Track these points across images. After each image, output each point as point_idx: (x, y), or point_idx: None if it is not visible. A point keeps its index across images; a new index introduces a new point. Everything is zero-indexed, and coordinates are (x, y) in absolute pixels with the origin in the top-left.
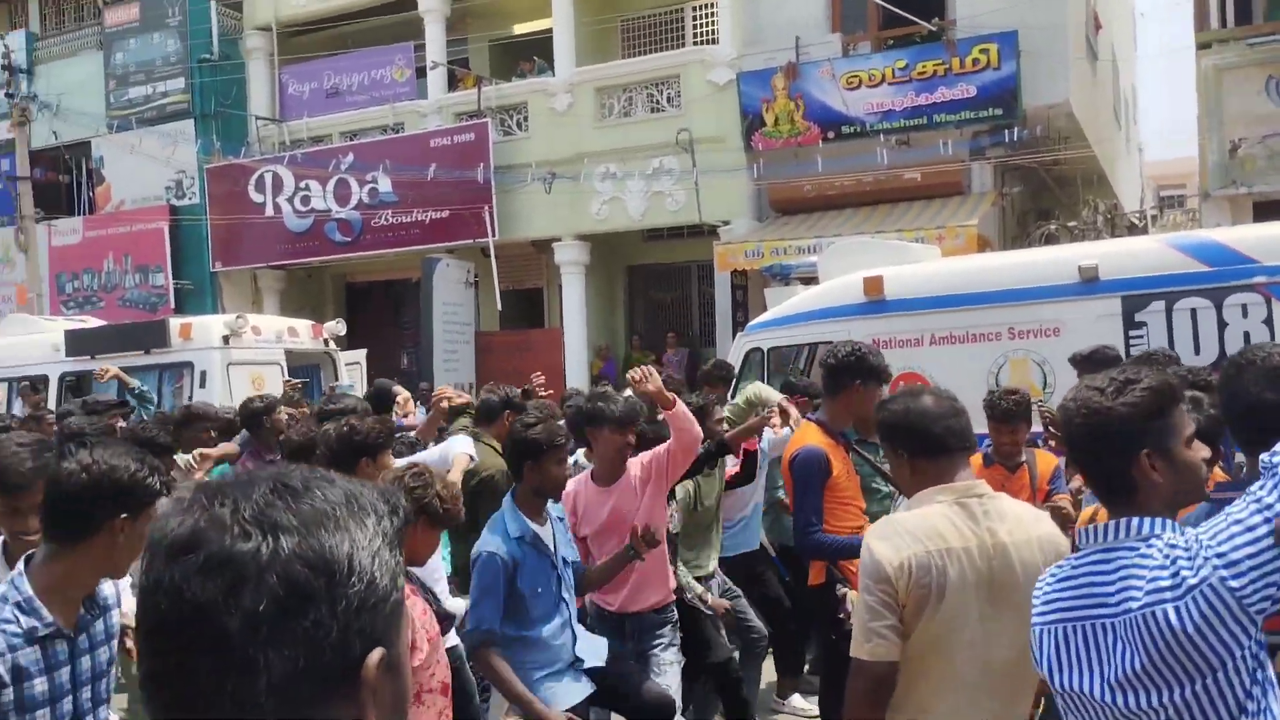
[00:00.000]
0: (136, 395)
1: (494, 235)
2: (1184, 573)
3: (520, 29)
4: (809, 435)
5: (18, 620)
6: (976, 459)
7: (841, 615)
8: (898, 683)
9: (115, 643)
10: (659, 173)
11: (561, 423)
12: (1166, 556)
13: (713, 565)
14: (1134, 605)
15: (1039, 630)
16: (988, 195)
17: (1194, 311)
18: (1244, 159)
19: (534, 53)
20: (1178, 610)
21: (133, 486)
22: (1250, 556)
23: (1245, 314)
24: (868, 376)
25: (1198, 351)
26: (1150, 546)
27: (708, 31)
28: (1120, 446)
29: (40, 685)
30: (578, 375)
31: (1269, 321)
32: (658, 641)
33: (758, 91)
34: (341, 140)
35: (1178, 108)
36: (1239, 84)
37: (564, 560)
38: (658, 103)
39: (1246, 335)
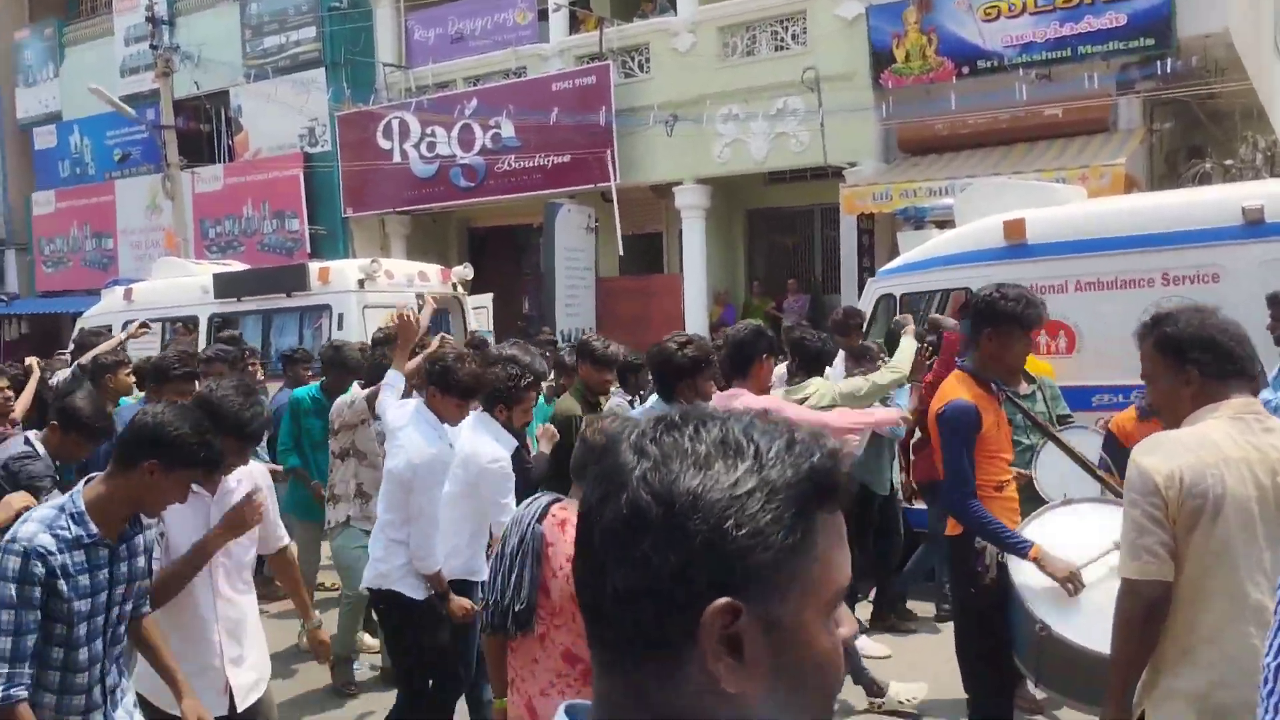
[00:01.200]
0: None
1: (615, 180)
2: None
3: None
4: (957, 388)
5: (69, 527)
6: (1130, 412)
7: (980, 570)
8: (1174, 608)
9: (151, 553)
10: (783, 113)
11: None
12: None
13: None
14: None
15: None
16: (1135, 132)
17: None
18: None
19: None
20: None
21: (170, 441)
22: None
23: None
24: (1001, 322)
25: None
26: None
27: None
28: None
29: (83, 580)
30: (697, 320)
31: None
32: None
33: (888, 26)
34: (465, 86)
35: None
36: None
37: None
38: (782, 40)
39: None
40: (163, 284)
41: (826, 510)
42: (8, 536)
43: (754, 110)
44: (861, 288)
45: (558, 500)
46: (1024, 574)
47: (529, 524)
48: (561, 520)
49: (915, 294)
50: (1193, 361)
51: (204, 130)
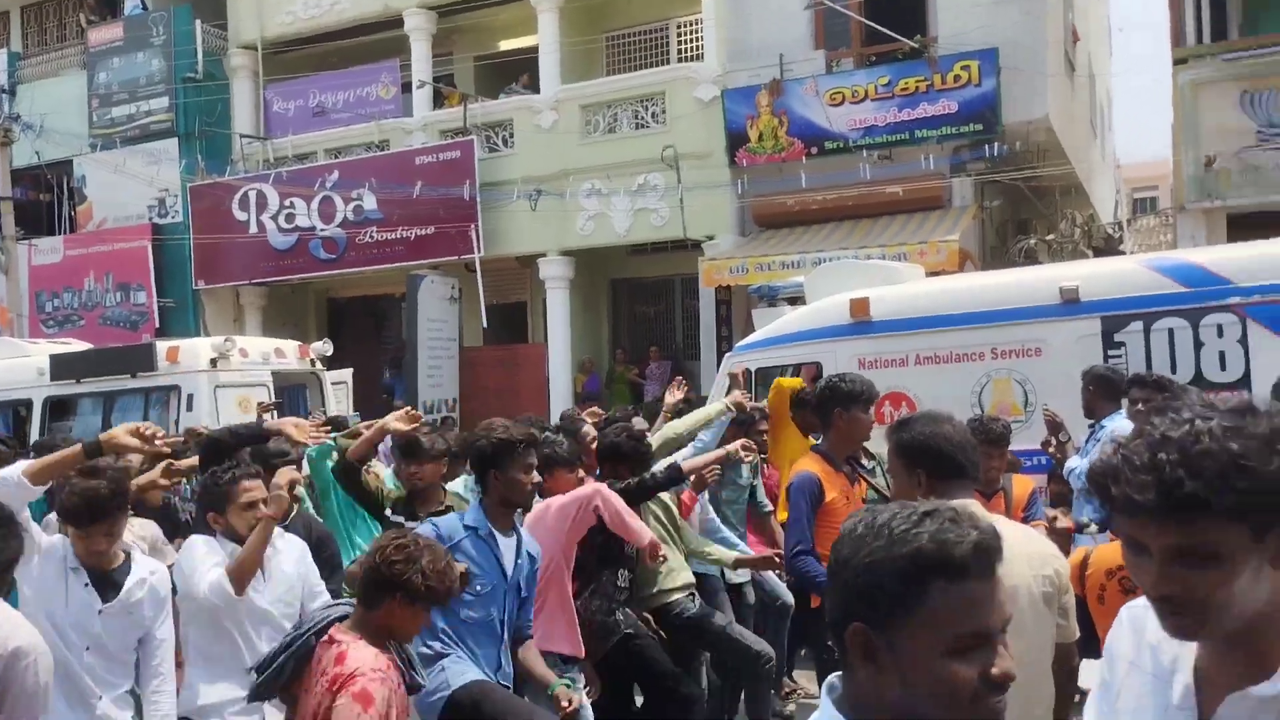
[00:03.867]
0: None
1: (479, 252)
2: None
3: (506, 45)
4: (806, 463)
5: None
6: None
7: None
8: None
9: None
10: (644, 189)
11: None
12: None
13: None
14: None
15: None
16: (968, 209)
17: (1171, 331)
18: (1219, 173)
19: (519, 70)
20: None
21: None
22: None
23: (1221, 334)
24: (847, 403)
25: (1174, 371)
26: None
27: (693, 48)
28: None
29: None
30: (561, 389)
31: (1244, 342)
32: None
33: (742, 108)
34: (326, 158)
35: (1152, 112)
36: (1214, 99)
37: (519, 587)
38: (643, 119)
39: (1222, 356)
40: None
41: (944, 578)
42: None
43: (616, 186)
44: (720, 355)
45: (345, 618)
46: None
47: (308, 632)
48: (338, 647)
49: (769, 368)
50: (922, 467)
51: (44, 200)
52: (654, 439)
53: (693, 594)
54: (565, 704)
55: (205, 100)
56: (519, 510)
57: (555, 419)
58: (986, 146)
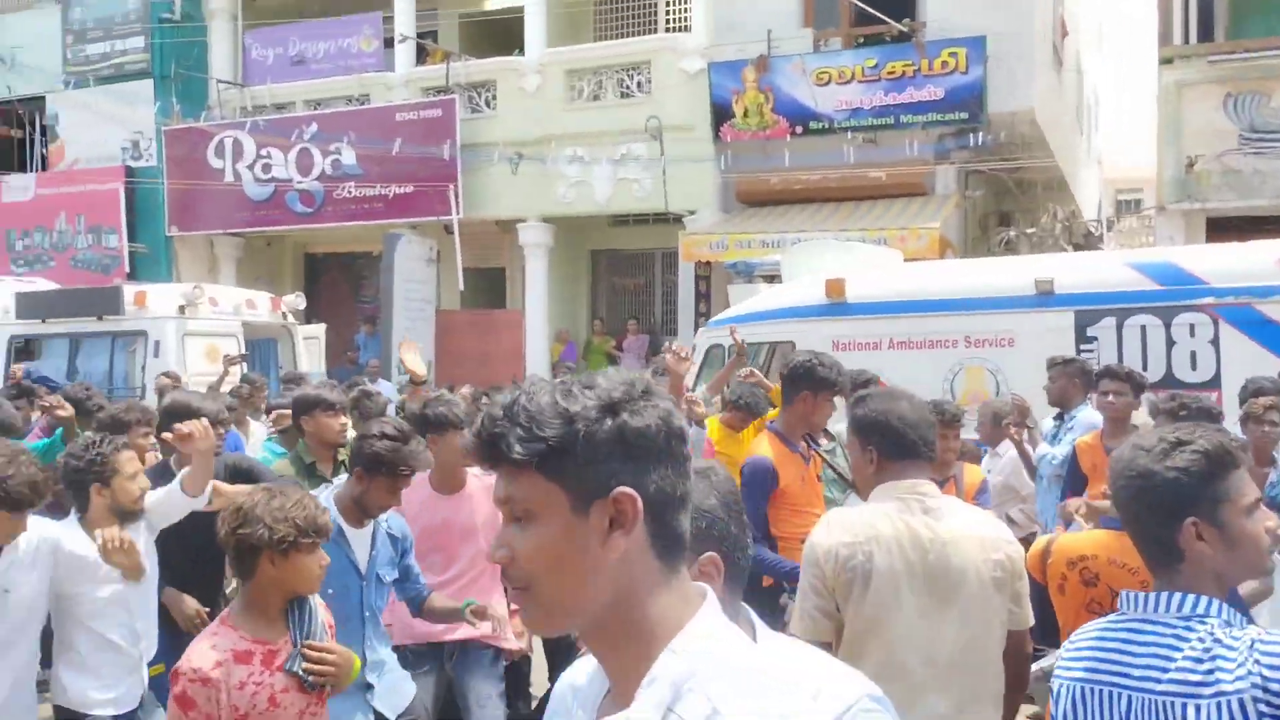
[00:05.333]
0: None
1: (458, 213)
2: (1220, 674)
3: (492, 4)
4: (760, 446)
5: None
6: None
7: (785, 620)
8: (845, 652)
9: None
10: (626, 159)
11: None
12: (1206, 650)
13: None
14: (1155, 688)
15: (1059, 685)
16: (951, 198)
17: (1144, 329)
18: (1200, 174)
19: (504, 30)
20: (1198, 710)
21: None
22: None
23: (1193, 334)
24: (819, 386)
25: (1145, 368)
26: (1191, 631)
27: (680, 19)
28: (1165, 513)
29: None
30: (538, 357)
31: (1215, 342)
32: (478, 671)
33: (728, 82)
34: (305, 109)
35: (1138, 113)
36: (1198, 100)
37: (378, 577)
38: (628, 88)
39: (1193, 355)
40: None
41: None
42: None
43: (598, 154)
44: (698, 331)
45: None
46: None
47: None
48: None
49: (751, 345)
50: (873, 444)
51: (15, 136)
52: None
53: None
54: (477, 618)
55: (182, 42)
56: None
57: None
58: (971, 135)
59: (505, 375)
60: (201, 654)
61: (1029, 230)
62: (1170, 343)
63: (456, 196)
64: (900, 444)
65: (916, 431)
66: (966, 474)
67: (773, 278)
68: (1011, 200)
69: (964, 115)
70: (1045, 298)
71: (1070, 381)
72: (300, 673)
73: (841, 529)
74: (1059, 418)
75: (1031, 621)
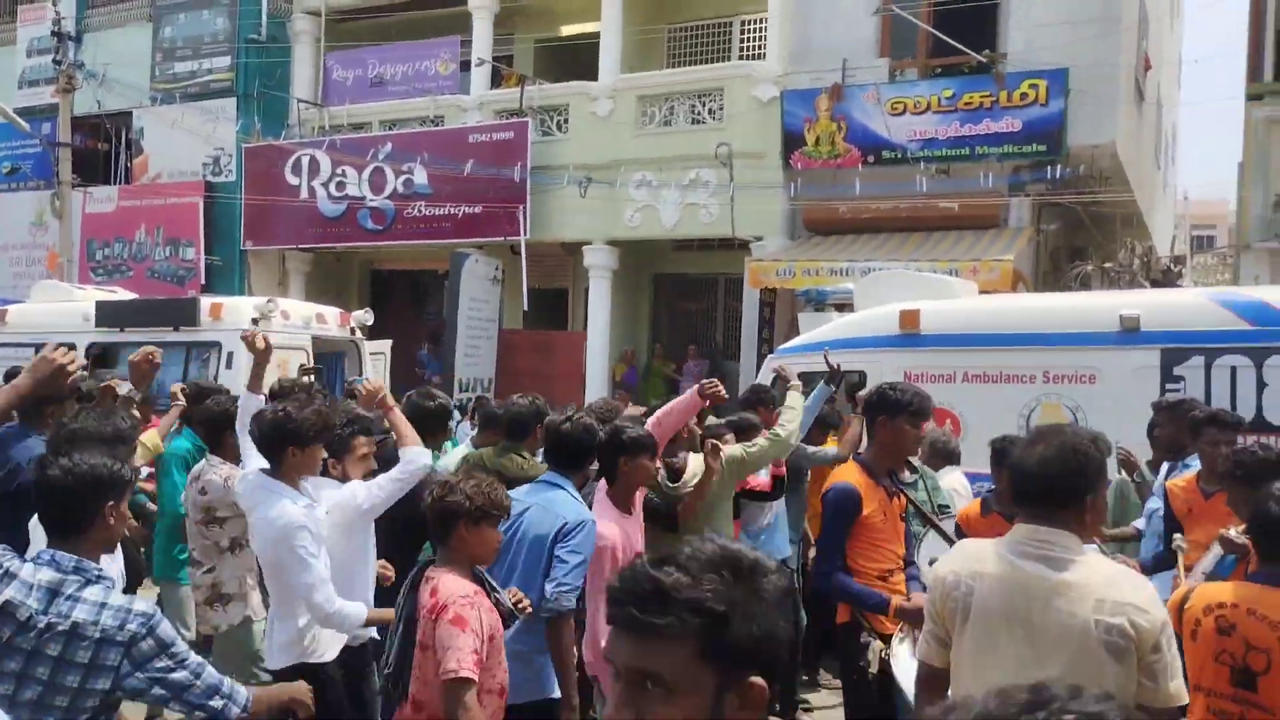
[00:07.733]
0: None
1: (525, 234)
2: None
3: (567, 30)
4: (847, 473)
5: None
6: (975, 506)
7: (862, 664)
8: (951, 687)
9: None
10: (695, 184)
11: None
12: None
13: None
14: None
15: None
16: (1025, 231)
17: (1234, 369)
18: None
19: (578, 55)
20: None
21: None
22: None
23: None
24: (893, 411)
25: (1234, 409)
26: None
27: (754, 47)
28: None
29: None
30: (598, 379)
31: None
32: None
33: (801, 110)
34: (381, 129)
35: (1215, 150)
36: None
37: None
38: (699, 114)
39: None
40: (41, 307)
41: None
42: None
43: (666, 179)
44: (761, 358)
45: (432, 562)
46: (904, 667)
47: (405, 589)
48: (431, 583)
49: (811, 374)
50: (1012, 484)
51: (101, 149)
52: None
53: None
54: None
55: (266, 62)
56: None
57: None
58: (1048, 168)
59: (565, 396)
60: (458, 583)
61: (1105, 265)
62: (1261, 384)
63: (525, 218)
64: (1021, 490)
65: (1039, 483)
66: None
67: (844, 306)
68: (1085, 235)
69: (1042, 147)
70: (1130, 334)
71: (1182, 427)
72: (511, 606)
73: (958, 557)
74: (1172, 467)
75: (1177, 701)
